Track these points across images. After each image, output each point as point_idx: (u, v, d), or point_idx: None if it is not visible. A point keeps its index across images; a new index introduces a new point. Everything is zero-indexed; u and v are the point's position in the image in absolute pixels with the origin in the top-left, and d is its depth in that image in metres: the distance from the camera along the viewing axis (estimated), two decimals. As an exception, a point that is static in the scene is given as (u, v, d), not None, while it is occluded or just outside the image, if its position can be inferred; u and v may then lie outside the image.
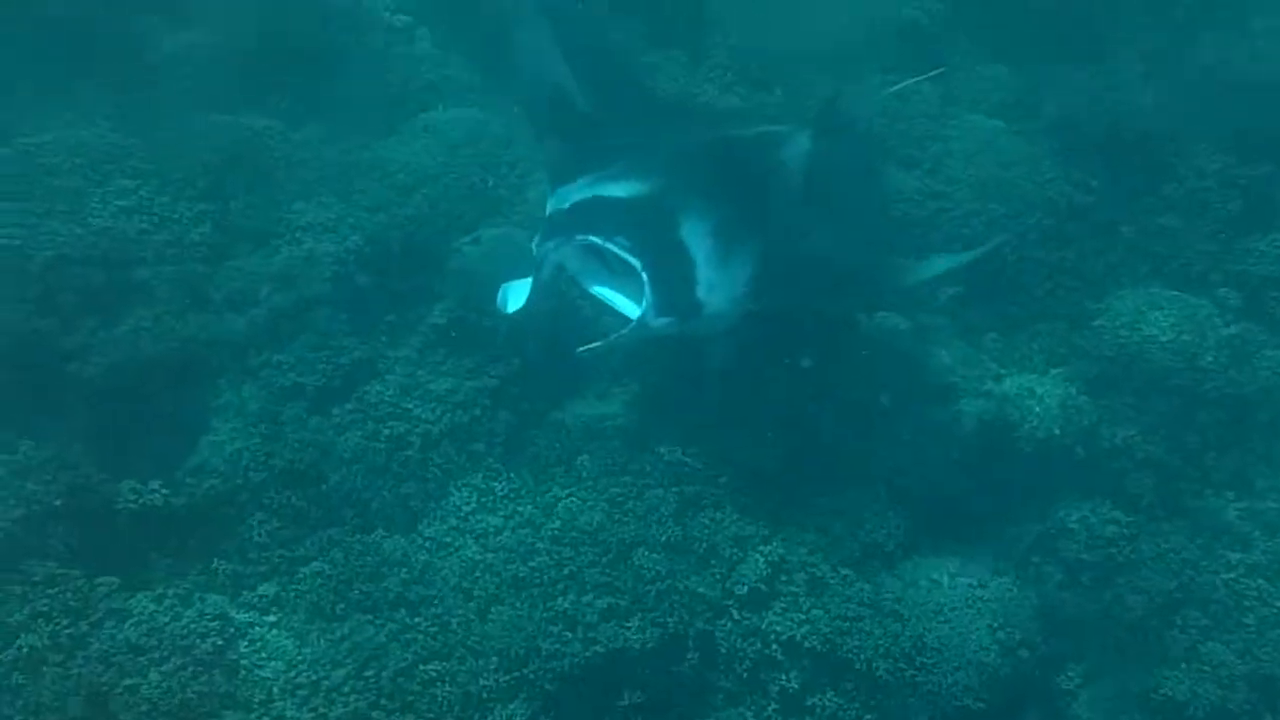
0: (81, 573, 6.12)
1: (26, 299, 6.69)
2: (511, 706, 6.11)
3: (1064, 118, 8.30)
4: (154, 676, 5.90)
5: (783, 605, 6.45)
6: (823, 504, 6.79)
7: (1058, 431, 7.15)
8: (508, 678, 6.13)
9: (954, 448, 7.12)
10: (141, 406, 6.73)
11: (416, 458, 6.77)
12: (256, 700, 6.02)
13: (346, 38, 8.40)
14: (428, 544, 6.57)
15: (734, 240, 6.11)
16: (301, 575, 6.42)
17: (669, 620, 6.31)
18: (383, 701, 6.09)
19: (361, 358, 7.02)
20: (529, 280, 5.99)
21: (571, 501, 6.65)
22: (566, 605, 6.29)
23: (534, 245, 6.11)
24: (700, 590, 6.41)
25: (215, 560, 6.43)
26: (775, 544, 6.58)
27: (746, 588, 6.43)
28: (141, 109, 7.76)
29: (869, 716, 6.38)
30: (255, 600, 6.36)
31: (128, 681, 5.87)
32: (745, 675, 6.37)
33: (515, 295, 6.04)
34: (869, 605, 6.49)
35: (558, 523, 6.57)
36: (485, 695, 6.11)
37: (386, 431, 6.79)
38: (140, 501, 6.38)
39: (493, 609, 6.31)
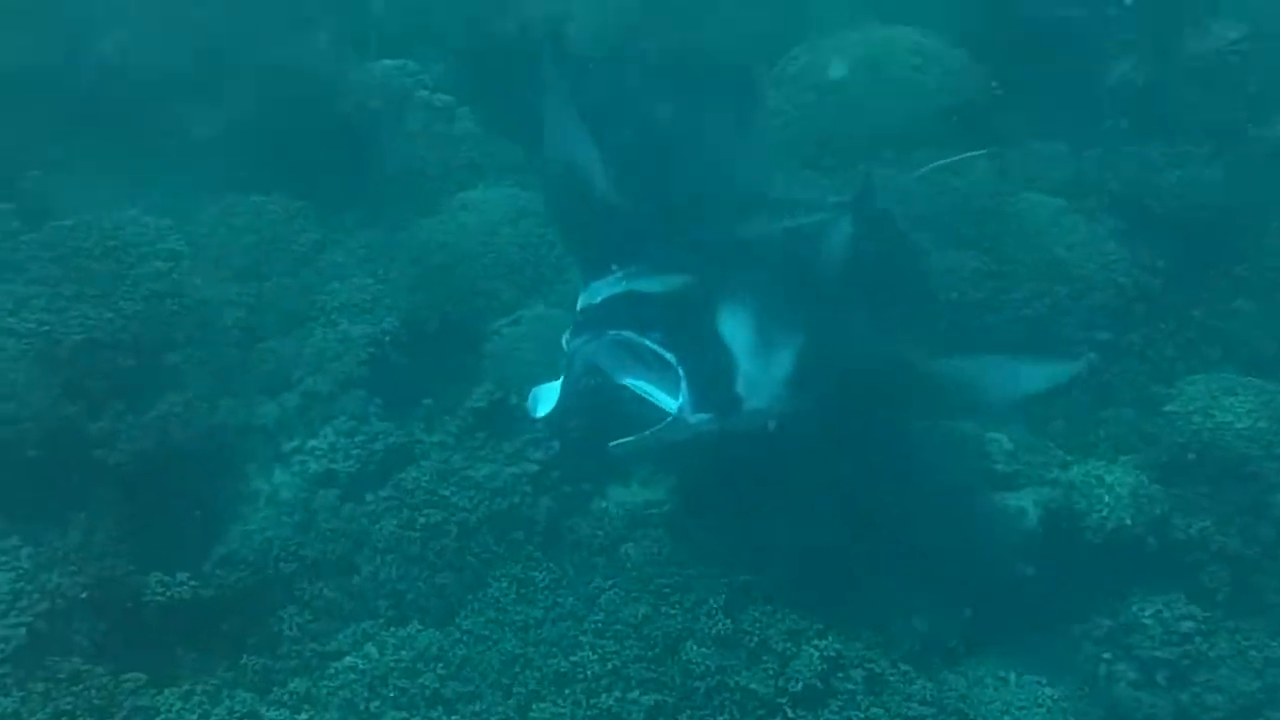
0: (106, 669, 5.87)
1: (54, 384, 6.58)
2: (554, 812, 5.85)
3: (1128, 195, 8.17)
4: (181, 778, 5.68)
5: (840, 704, 6.09)
6: (879, 596, 6.49)
7: (1129, 521, 6.84)
8: (550, 781, 5.87)
9: (1018, 537, 6.82)
10: (169, 495, 6.59)
11: (453, 546, 6.54)
12: (286, 805, 5.81)
13: (385, 117, 8.42)
14: (465, 637, 6.28)
15: (774, 334, 5.95)
16: (334, 670, 6.14)
17: (720, 719, 5.99)
18: (419, 807, 5.85)
19: (396, 443, 6.87)
20: (558, 383, 5.90)
21: (615, 593, 6.39)
22: (611, 703, 5.98)
23: (564, 342, 6.00)
24: (752, 687, 6.06)
25: (244, 655, 6.19)
26: (830, 638, 6.23)
27: (801, 684, 6.07)
28: (175, 190, 7.85)
29: (934, 825, 6.07)
30: (285, 697, 6.07)
31: (154, 784, 5.66)
32: (801, 779, 6.06)
33: (545, 398, 5.94)
34: (932, 704, 6.14)
35: (601, 615, 6.30)
36: (526, 800, 5.85)
37: (422, 519, 6.58)
38: (168, 594, 6.17)
39: (534, 706, 6.01)
